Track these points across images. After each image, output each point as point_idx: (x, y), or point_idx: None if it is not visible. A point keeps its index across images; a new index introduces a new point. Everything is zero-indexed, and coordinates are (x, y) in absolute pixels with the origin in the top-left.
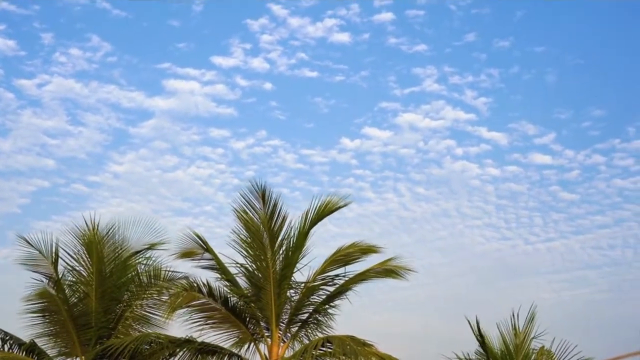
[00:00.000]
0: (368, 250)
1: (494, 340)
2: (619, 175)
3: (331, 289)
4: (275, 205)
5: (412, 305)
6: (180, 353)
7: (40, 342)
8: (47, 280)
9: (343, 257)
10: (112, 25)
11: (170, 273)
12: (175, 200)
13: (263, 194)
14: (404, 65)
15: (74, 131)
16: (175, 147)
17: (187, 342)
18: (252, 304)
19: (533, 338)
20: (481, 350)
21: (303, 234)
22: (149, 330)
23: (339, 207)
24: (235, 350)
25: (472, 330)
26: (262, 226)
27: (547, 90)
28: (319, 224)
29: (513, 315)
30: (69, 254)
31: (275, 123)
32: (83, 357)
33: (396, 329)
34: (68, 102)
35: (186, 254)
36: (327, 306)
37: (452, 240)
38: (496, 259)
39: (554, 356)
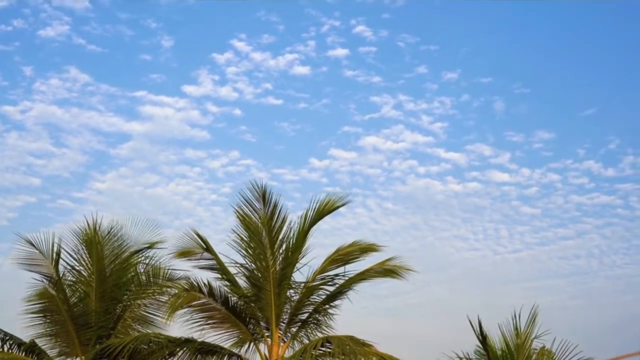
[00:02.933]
0: (368, 248)
1: (493, 340)
2: (575, 192)
3: (331, 288)
4: (275, 205)
5: (395, 310)
6: (180, 353)
7: (40, 342)
8: (47, 281)
9: (343, 256)
10: (88, 58)
11: (170, 272)
12: (156, 214)
13: (264, 195)
14: (362, 95)
15: (58, 152)
16: (154, 166)
17: (187, 342)
18: (252, 304)
19: (534, 338)
20: (481, 350)
21: (303, 234)
22: (149, 330)
23: (338, 207)
24: (235, 350)
25: (474, 330)
26: (262, 226)
27: (497, 116)
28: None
29: (515, 316)
30: (69, 253)
31: (247, 145)
32: (83, 356)
33: (381, 332)
34: (51, 126)
35: (185, 253)
36: (327, 306)
37: (423, 251)
38: (468, 268)
39: (555, 356)
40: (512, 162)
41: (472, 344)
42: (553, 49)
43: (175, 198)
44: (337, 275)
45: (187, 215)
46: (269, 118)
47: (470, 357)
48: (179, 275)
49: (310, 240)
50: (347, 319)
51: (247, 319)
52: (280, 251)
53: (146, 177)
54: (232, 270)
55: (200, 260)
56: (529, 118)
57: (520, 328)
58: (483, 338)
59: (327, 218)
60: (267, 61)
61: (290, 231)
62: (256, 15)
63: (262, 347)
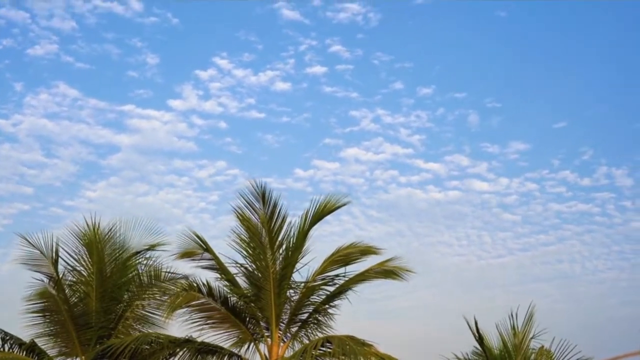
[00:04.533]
0: (367, 251)
1: (489, 341)
2: (553, 200)
3: (331, 289)
4: (275, 205)
5: (385, 313)
6: (180, 353)
7: (40, 342)
8: (47, 280)
9: (343, 257)
10: (76, 75)
11: (170, 273)
12: (147, 221)
13: (263, 195)
14: (342, 109)
15: (50, 163)
16: (144, 176)
17: (187, 342)
18: (252, 304)
19: (532, 338)
20: (479, 350)
21: (303, 234)
22: (149, 330)
23: (339, 207)
24: (235, 350)
25: (471, 331)
26: (261, 226)
27: (472, 128)
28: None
29: (511, 315)
30: (69, 254)
31: (233, 155)
32: (83, 357)
33: (375, 334)
34: (42, 138)
35: (186, 254)
36: (326, 306)
37: (409, 257)
38: (454, 273)
39: (554, 356)
40: (489, 171)
41: (462, 344)
42: (521, 65)
43: (165, 206)
44: (337, 275)
45: (177, 222)
46: (253, 130)
47: (468, 357)
48: (178, 276)
49: (309, 241)
50: (345, 320)
51: (247, 319)
52: (280, 251)
53: (136, 186)
54: (232, 270)
55: (201, 261)
56: (503, 130)
57: (517, 327)
58: (480, 338)
59: None
60: (249, 77)
61: (290, 231)
62: (236, 35)
63: (262, 347)
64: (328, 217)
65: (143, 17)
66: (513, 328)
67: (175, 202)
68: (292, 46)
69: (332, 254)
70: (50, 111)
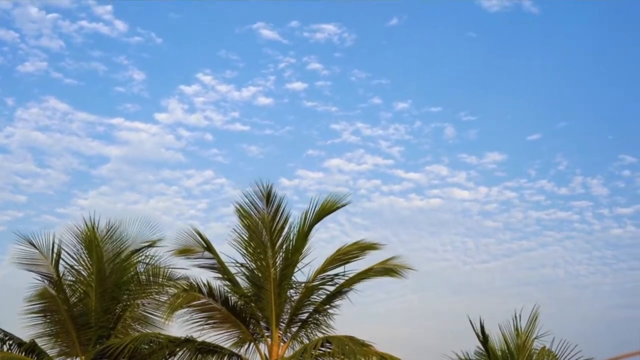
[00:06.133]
0: (368, 247)
1: (492, 341)
2: (533, 208)
3: (331, 288)
4: (279, 205)
5: (375, 317)
6: (180, 353)
7: (40, 342)
8: (47, 281)
9: (342, 255)
10: (66, 90)
11: (169, 271)
12: (145, 220)
13: (268, 195)
14: (323, 123)
15: (42, 173)
16: (133, 185)
17: (187, 342)
18: (252, 304)
19: (535, 338)
20: (481, 350)
21: (303, 234)
22: (149, 330)
23: (339, 207)
24: (235, 350)
25: (474, 330)
26: (263, 226)
27: (449, 140)
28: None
29: (515, 316)
30: (69, 253)
31: (220, 166)
32: (83, 357)
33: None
34: (34, 149)
35: (185, 251)
36: (327, 306)
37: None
38: (441, 277)
39: (555, 356)
40: (468, 180)
41: (455, 345)
42: (493, 81)
43: (156, 213)
44: (337, 275)
45: (168, 228)
46: (239, 142)
47: (470, 357)
48: (179, 275)
49: (310, 241)
50: (344, 320)
51: (247, 319)
52: (281, 251)
53: (126, 195)
54: (232, 269)
55: (201, 259)
56: (479, 142)
57: (520, 329)
58: (484, 339)
59: None
60: (232, 93)
61: (291, 232)
62: (218, 54)
63: (262, 347)
64: (315, 225)
65: (128, 37)
66: (517, 329)
67: (165, 209)
68: (272, 64)
69: (333, 253)
70: (42, 124)
